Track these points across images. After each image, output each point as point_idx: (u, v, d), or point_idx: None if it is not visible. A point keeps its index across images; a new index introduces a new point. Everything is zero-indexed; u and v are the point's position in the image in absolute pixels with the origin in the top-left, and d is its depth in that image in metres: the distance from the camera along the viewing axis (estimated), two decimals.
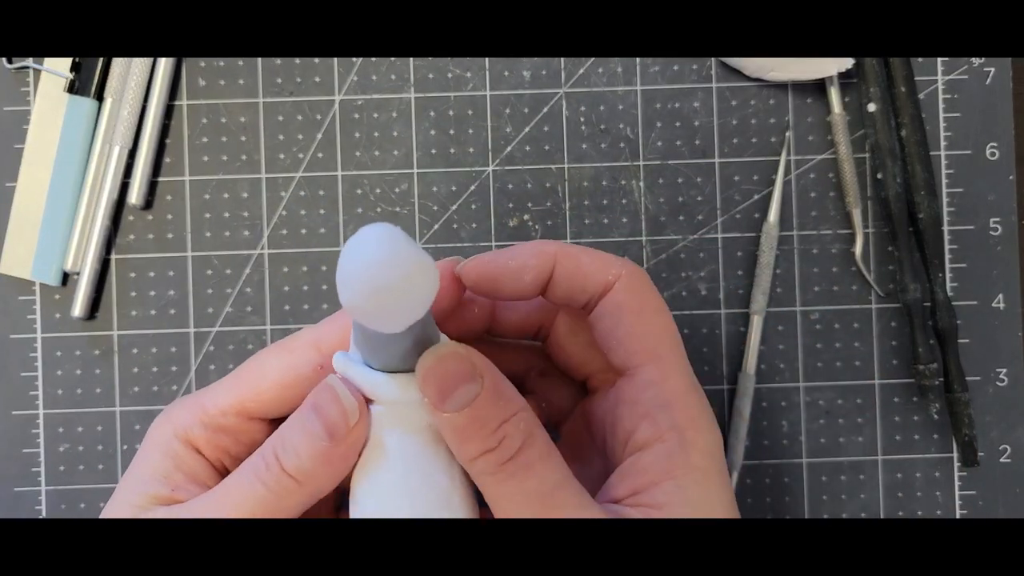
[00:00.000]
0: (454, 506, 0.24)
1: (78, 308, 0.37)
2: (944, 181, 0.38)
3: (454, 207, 0.38)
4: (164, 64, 0.37)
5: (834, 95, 0.37)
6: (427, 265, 0.21)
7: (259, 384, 0.26)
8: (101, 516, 0.26)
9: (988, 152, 0.38)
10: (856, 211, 0.37)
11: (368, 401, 0.24)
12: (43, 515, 0.37)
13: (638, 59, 0.38)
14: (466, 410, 0.23)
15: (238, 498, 0.24)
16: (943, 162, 0.38)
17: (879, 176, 0.37)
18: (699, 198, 0.38)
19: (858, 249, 0.37)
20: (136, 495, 0.26)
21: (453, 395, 0.23)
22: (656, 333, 0.26)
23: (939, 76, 0.38)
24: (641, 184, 0.38)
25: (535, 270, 0.26)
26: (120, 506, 0.26)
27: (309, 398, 0.24)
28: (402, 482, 0.24)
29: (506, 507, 0.23)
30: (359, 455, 0.25)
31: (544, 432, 0.24)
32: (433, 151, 0.38)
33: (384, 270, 0.20)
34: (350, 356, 0.25)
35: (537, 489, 0.23)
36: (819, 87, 0.38)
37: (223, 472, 0.27)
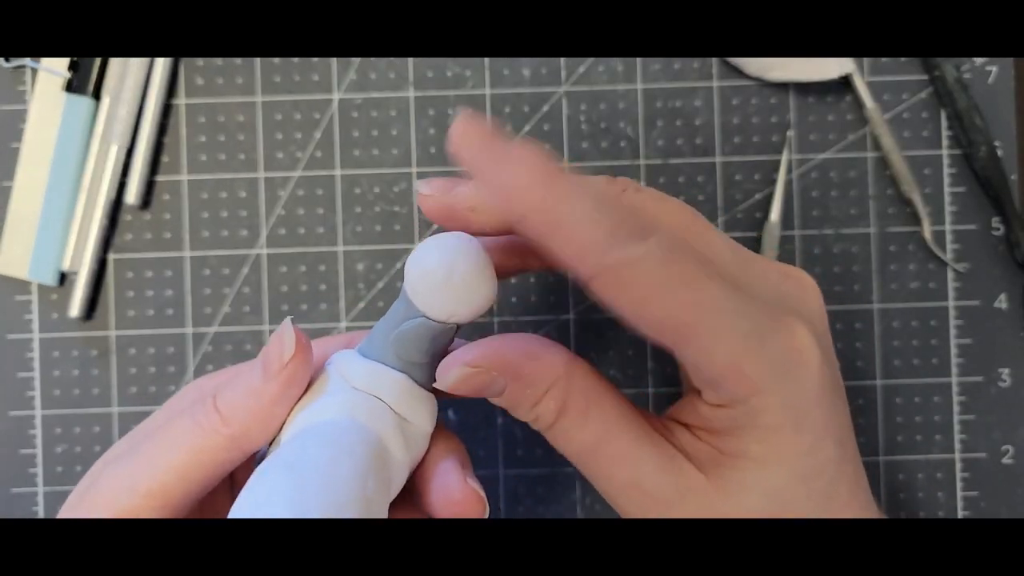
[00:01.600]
0: (342, 506, 0.22)
1: (75, 308, 0.37)
2: (946, 181, 0.38)
3: None
4: (162, 63, 0.37)
5: (863, 90, 0.37)
6: (492, 280, 0.25)
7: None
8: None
9: None
10: (916, 195, 0.37)
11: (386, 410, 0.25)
12: (40, 516, 0.37)
13: (639, 57, 0.38)
14: (499, 398, 0.25)
15: (172, 432, 0.24)
16: (945, 162, 0.38)
17: (964, 142, 0.37)
18: (700, 197, 0.38)
19: (927, 231, 0.37)
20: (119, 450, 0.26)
21: (483, 396, 0.25)
22: (672, 321, 0.23)
23: None
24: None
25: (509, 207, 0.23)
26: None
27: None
28: (311, 461, 0.22)
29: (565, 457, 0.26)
30: (290, 411, 0.24)
31: (583, 391, 0.24)
32: (432, 150, 0.38)
33: (471, 263, 0.24)
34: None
35: (575, 450, 0.25)
36: (821, 85, 0.38)
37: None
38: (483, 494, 0.25)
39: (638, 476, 0.24)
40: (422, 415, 0.25)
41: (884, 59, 0.38)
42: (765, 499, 0.23)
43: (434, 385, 0.25)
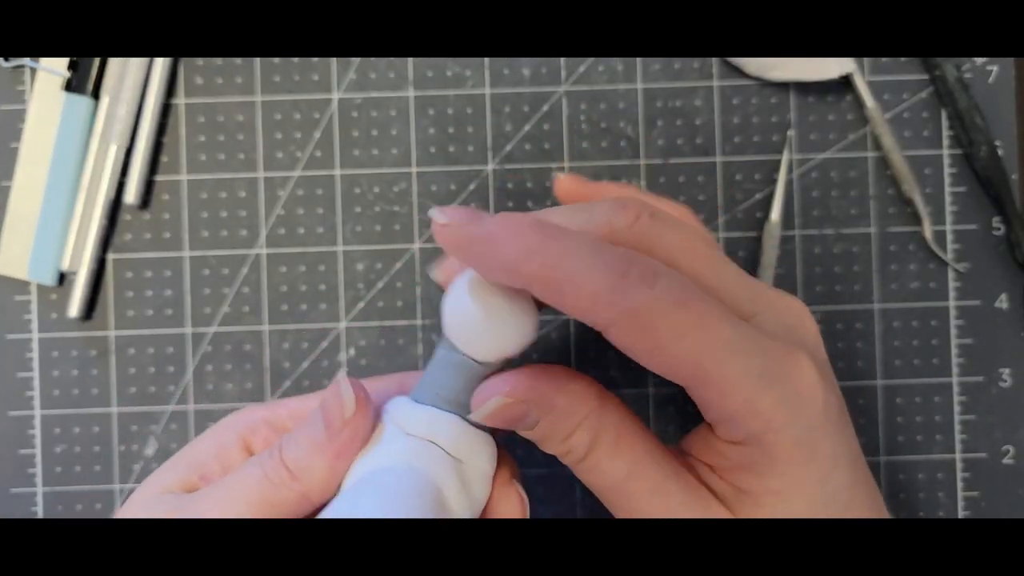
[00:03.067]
0: None
1: (74, 308, 0.37)
2: (947, 180, 0.38)
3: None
4: (161, 63, 0.37)
5: (864, 89, 0.37)
6: (531, 311, 0.24)
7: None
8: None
9: None
10: (917, 195, 0.37)
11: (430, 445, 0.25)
12: (39, 516, 0.37)
13: (639, 57, 0.38)
14: (531, 432, 0.24)
15: (238, 485, 0.24)
16: (945, 161, 0.38)
17: (965, 142, 0.37)
18: (700, 197, 0.38)
19: (928, 231, 0.37)
20: (164, 476, 0.26)
21: (516, 428, 0.24)
22: (685, 363, 0.23)
23: None
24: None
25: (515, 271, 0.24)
26: (145, 486, 0.27)
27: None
28: (363, 511, 0.23)
29: (592, 491, 0.25)
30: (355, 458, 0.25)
31: (615, 426, 0.24)
32: (432, 150, 0.38)
33: (509, 299, 0.23)
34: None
35: (606, 484, 0.25)
36: (821, 85, 0.38)
37: None
38: (525, 496, 0.26)
39: (668, 512, 0.24)
40: (480, 455, 0.25)
41: (884, 59, 0.38)
42: None
43: (469, 416, 0.25)
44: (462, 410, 0.25)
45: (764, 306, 0.25)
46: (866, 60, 0.38)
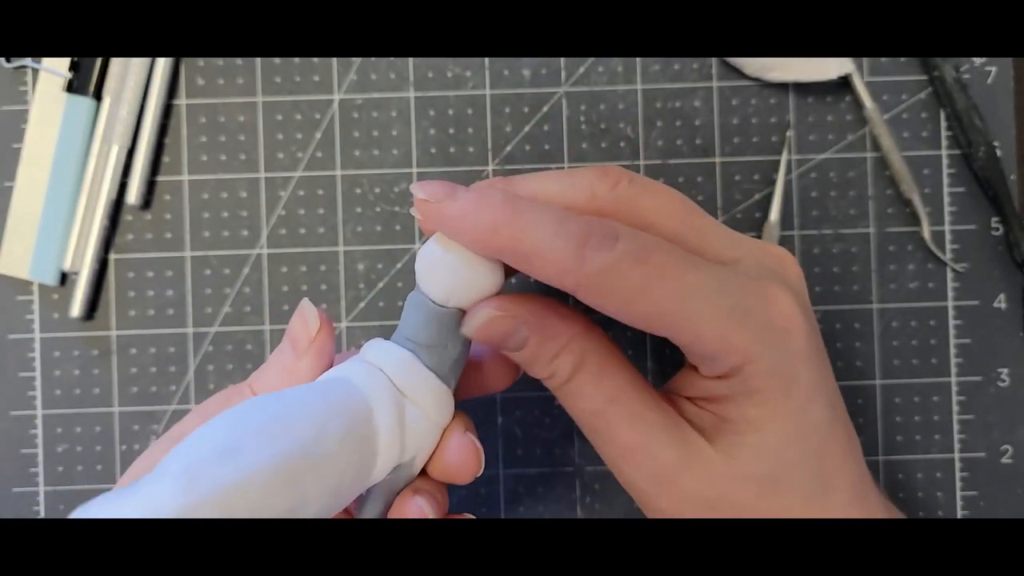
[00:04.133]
0: (277, 434, 0.22)
1: (76, 308, 0.37)
2: (945, 181, 0.38)
3: None
4: (162, 63, 0.37)
5: (863, 90, 0.37)
6: (494, 267, 0.25)
7: None
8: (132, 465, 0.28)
9: None
10: (915, 195, 0.37)
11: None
12: (41, 516, 0.37)
13: (639, 58, 0.38)
14: (519, 352, 0.25)
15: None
16: (944, 162, 0.38)
17: (964, 142, 0.37)
18: (700, 197, 0.38)
19: (926, 231, 0.37)
20: (153, 456, 0.26)
21: (504, 346, 0.25)
22: (658, 315, 0.24)
23: None
24: None
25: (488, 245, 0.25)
26: (133, 469, 0.27)
27: None
28: (276, 396, 0.23)
29: (574, 418, 0.26)
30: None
31: (599, 352, 0.25)
32: (433, 150, 0.38)
33: (466, 254, 0.25)
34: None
35: (588, 408, 0.26)
36: (820, 86, 0.38)
37: None
38: (479, 446, 0.26)
39: (646, 439, 0.25)
40: (428, 397, 0.25)
41: (884, 60, 0.38)
42: (763, 460, 0.25)
43: (461, 331, 0.25)
44: (420, 350, 0.25)
45: (744, 252, 0.26)
46: (865, 61, 0.38)
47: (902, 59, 0.38)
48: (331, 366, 0.27)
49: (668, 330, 0.24)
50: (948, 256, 0.38)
